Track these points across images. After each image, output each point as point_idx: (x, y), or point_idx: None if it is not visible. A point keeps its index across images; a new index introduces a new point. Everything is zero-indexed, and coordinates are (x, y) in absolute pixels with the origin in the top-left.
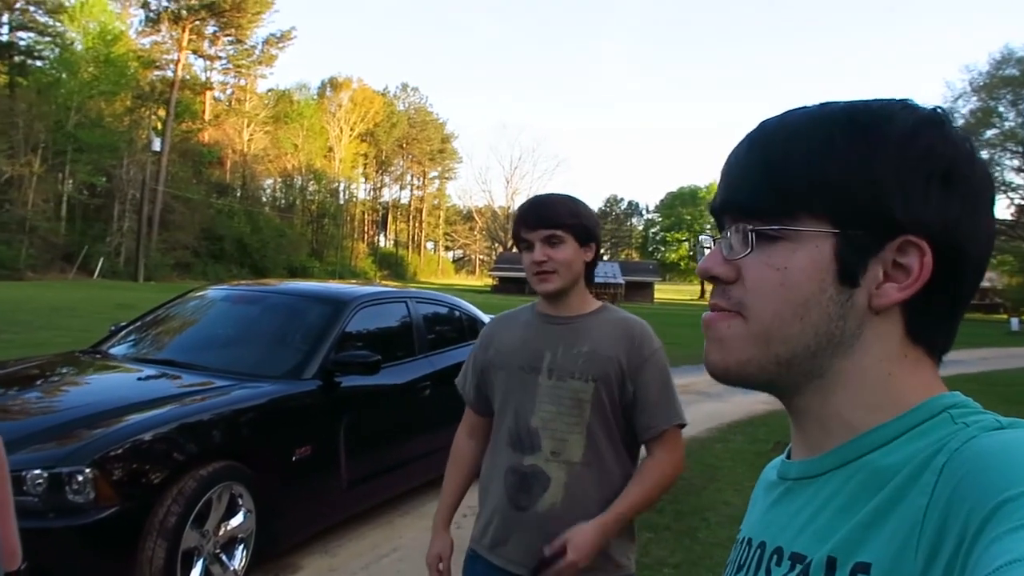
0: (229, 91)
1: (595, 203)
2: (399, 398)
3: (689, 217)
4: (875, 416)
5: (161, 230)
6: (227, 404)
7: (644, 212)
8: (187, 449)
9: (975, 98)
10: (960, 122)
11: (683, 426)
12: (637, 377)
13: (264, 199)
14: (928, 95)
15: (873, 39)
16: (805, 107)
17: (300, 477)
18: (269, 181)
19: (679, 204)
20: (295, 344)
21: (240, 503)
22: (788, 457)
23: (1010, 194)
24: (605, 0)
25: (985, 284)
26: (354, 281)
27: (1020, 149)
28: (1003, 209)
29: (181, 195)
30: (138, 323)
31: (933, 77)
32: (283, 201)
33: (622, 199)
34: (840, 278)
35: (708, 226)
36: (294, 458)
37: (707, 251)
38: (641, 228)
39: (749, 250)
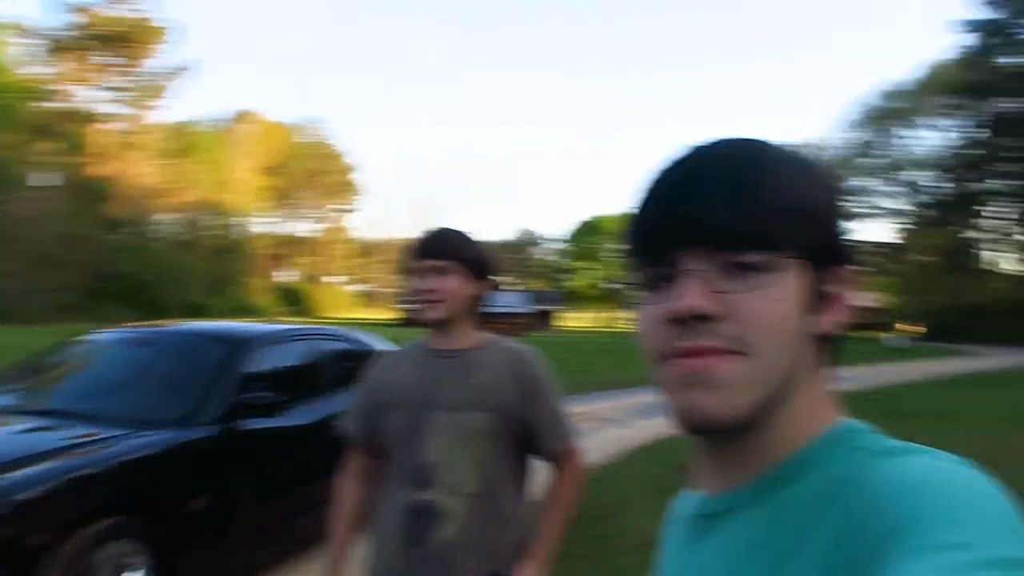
0: (123, 123)
1: (502, 232)
2: (304, 440)
3: (595, 246)
4: (794, 446)
5: (48, 269)
6: (117, 455)
7: (551, 242)
8: (73, 507)
9: (855, 130)
10: (841, 152)
11: (578, 442)
12: (530, 405)
13: (161, 235)
14: (814, 127)
15: (758, 72)
16: (733, 138)
17: (200, 529)
18: (166, 216)
19: (586, 233)
20: (192, 388)
21: (134, 562)
22: (701, 492)
23: (887, 219)
24: (506, 36)
25: (868, 303)
26: (256, 319)
27: (895, 176)
28: (881, 232)
29: (69, 232)
30: (15, 371)
31: (809, 111)
32: (180, 236)
33: (529, 228)
34: (809, 307)
35: (614, 255)
36: (191, 510)
37: (681, 285)
38: (548, 257)
39: (769, 281)
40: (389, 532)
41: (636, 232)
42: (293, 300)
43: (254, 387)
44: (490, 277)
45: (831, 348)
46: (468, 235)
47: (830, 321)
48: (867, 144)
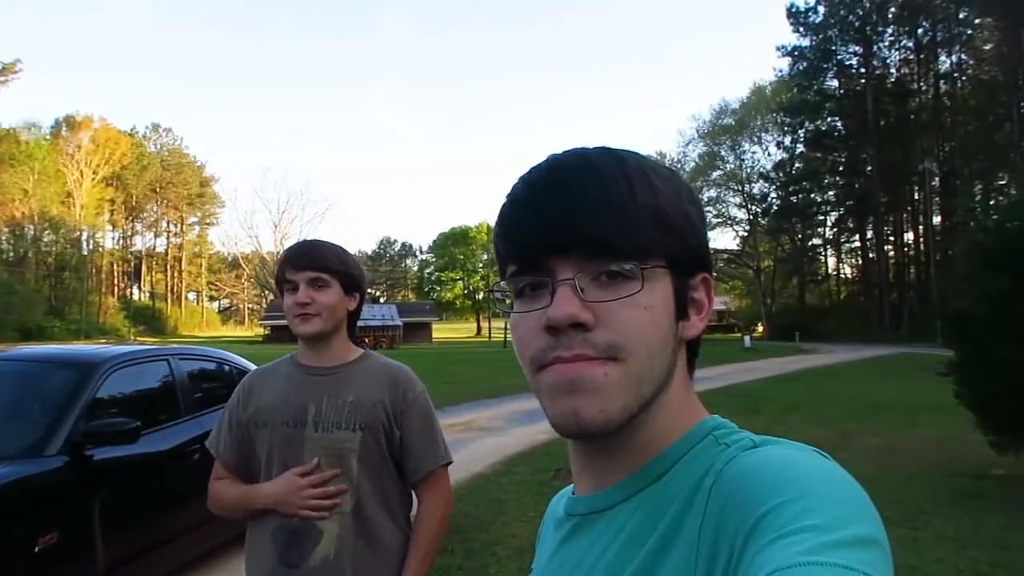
0: None
1: (368, 245)
2: (164, 466)
3: (462, 256)
4: (663, 444)
5: None
6: None
7: (418, 253)
8: None
9: (702, 144)
10: (691, 165)
11: (448, 464)
12: (402, 422)
13: None
14: (662, 141)
15: (615, 82)
16: (593, 148)
17: (45, 570)
18: None
19: (451, 244)
20: (34, 417)
21: None
22: (574, 492)
23: (734, 227)
24: (367, 40)
25: (720, 307)
26: (104, 340)
27: (739, 188)
28: (730, 240)
29: None
30: None
31: (649, 125)
32: (11, 254)
33: (396, 240)
34: (676, 314)
35: (480, 265)
36: (37, 548)
37: (556, 295)
38: (416, 269)
39: (639, 289)
40: (262, 554)
41: (506, 241)
42: (147, 319)
43: (105, 414)
44: (363, 291)
45: (693, 351)
46: (342, 248)
47: (694, 326)
48: (713, 157)
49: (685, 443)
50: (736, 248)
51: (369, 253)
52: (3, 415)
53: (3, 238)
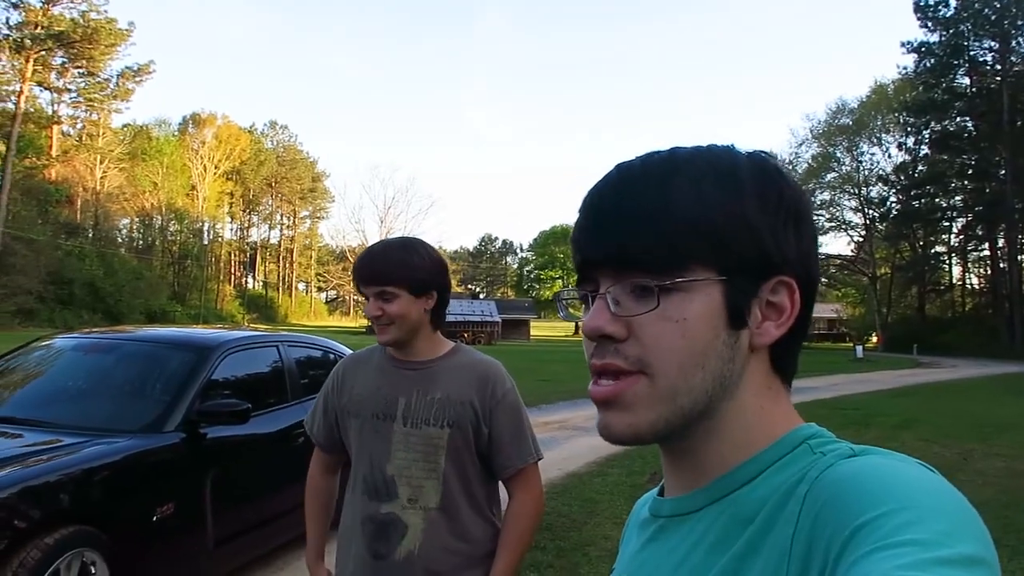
0: (79, 125)
1: (470, 241)
2: (271, 448)
3: (562, 255)
4: (747, 451)
5: (1, 274)
6: (76, 463)
7: (518, 250)
8: (30, 515)
9: (816, 144)
10: (803, 167)
11: (538, 461)
12: (491, 419)
13: (120, 240)
14: (774, 141)
15: (723, 85)
16: (659, 152)
17: (162, 539)
18: (125, 221)
19: (551, 242)
20: (155, 395)
21: (93, 572)
22: (661, 494)
23: (849, 232)
24: (468, 40)
25: (831, 315)
26: (220, 325)
27: (855, 191)
28: (844, 245)
29: (23, 236)
30: None
31: (774, 123)
32: (141, 242)
33: (496, 238)
34: (730, 322)
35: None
36: (155, 518)
37: (590, 307)
38: (516, 266)
39: (655, 305)
40: (353, 542)
41: (573, 252)
42: (260, 307)
43: (218, 394)
44: (441, 285)
45: (782, 356)
46: (413, 249)
47: (766, 332)
48: (828, 158)
49: (775, 450)
50: (850, 254)
51: (471, 249)
52: (128, 392)
53: (134, 227)
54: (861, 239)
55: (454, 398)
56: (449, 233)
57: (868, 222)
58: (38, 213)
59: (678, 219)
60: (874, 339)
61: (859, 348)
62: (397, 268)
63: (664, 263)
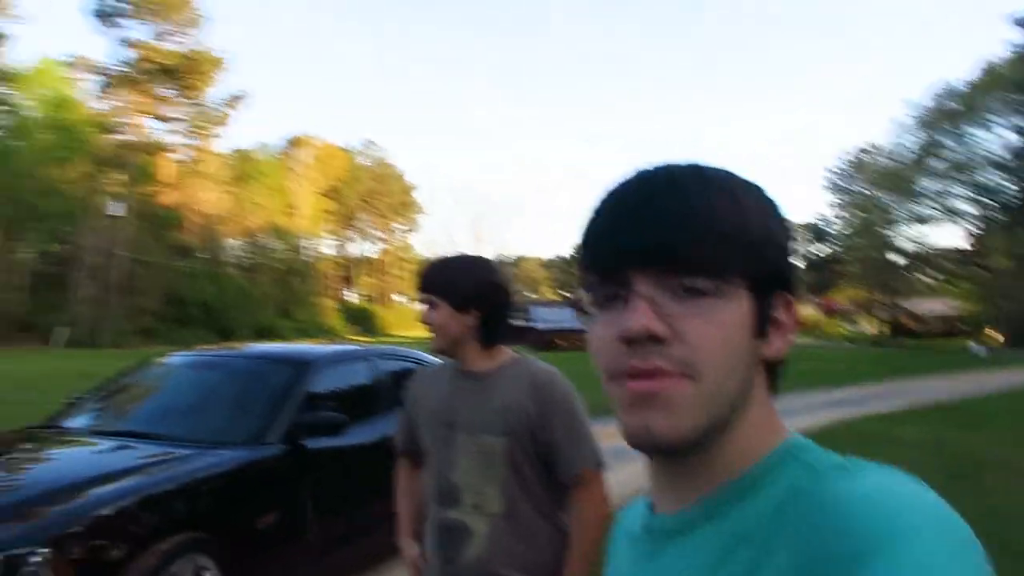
0: (188, 152)
1: (563, 249)
2: (367, 458)
3: None
4: (744, 463)
5: (123, 296)
6: (188, 474)
7: None
8: (148, 523)
9: (921, 132)
10: (909, 156)
11: (600, 467)
12: (547, 425)
13: (227, 259)
14: (871, 131)
15: (815, 77)
16: (683, 163)
17: (267, 545)
18: (232, 241)
19: None
20: (257, 408)
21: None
22: (652, 509)
23: (960, 222)
24: (557, 49)
25: (944, 310)
26: (318, 340)
27: (967, 179)
28: (952, 237)
29: (142, 259)
30: (94, 394)
31: (868, 114)
32: (247, 261)
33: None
34: (755, 332)
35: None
36: (260, 526)
37: (631, 306)
38: None
39: (704, 307)
40: (430, 545)
41: (588, 250)
42: (360, 320)
43: (316, 407)
44: (486, 308)
45: (776, 371)
46: (464, 266)
47: (775, 346)
48: (933, 145)
49: (767, 463)
50: (962, 247)
51: (567, 257)
52: (233, 406)
53: (240, 247)
54: (976, 230)
55: (510, 406)
56: (541, 240)
57: (984, 212)
58: (154, 237)
59: (725, 225)
60: (995, 336)
61: (975, 345)
62: (441, 281)
63: (713, 267)
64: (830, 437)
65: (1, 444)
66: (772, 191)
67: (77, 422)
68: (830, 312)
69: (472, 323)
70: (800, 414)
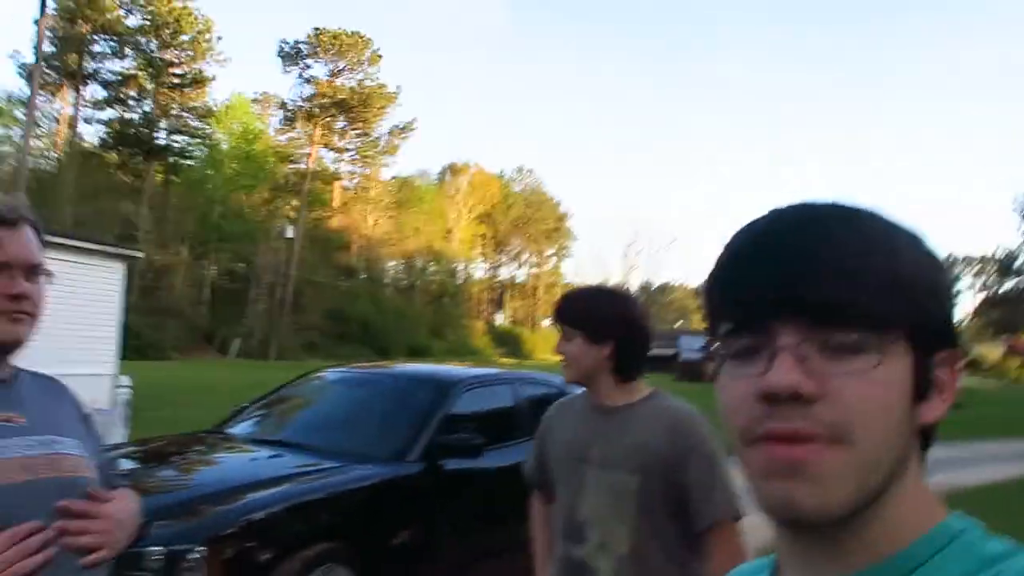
0: (356, 180)
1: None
2: (502, 482)
3: None
4: (897, 542)
5: (292, 312)
6: (334, 485)
7: None
8: (295, 530)
9: None
10: None
11: (738, 518)
12: (682, 468)
13: (386, 280)
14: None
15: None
16: (824, 202)
17: (402, 560)
18: (392, 263)
19: None
20: (400, 427)
21: None
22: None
23: None
24: (714, 78)
25: None
26: (464, 362)
27: None
28: None
29: (311, 279)
30: (256, 405)
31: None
32: (404, 282)
33: None
34: (914, 396)
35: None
36: (395, 542)
37: (777, 360)
38: None
39: (874, 364)
40: None
41: (724, 297)
42: (507, 342)
43: (455, 428)
44: (622, 341)
45: (930, 438)
46: (600, 297)
47: (935, 410)
48: None
49: (928, 544)
50: None
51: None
52: (378, 422)
53: (399, 269)
54: None
55: (645, 444)
56: (695, 270)
57: None
58: (321, 258)
59: (884, 273)
60: None
61: None
62: (576, 313)
63: (872, 320)
64: (1003, 495)
65: (178, 446)
66: (928, 231)
67: (239, 429)
68: (1016, 352)
69: (607, 355)
70: (969, 466)
